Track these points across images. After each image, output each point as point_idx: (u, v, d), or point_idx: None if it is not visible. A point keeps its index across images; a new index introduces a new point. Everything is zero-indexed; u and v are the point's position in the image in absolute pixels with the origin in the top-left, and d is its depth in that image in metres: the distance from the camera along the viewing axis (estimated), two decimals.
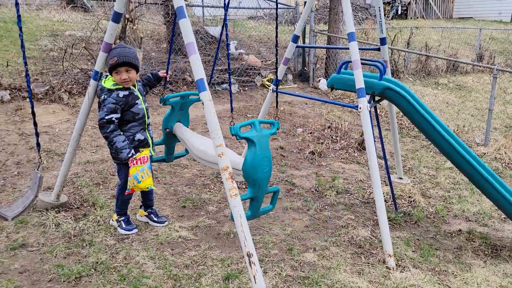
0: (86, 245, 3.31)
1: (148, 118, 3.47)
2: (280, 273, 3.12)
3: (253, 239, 2.92)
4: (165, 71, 3.75)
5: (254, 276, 2.42)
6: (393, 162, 5.30)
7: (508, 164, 6.23)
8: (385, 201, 4.28)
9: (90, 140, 5.61)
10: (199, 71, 2.55)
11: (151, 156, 3.42)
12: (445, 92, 10.36)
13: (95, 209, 3.89)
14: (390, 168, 5.29)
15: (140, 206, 3.83)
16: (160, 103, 3.73)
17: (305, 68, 9.59)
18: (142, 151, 3.32)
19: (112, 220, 3.66)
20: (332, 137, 6.32)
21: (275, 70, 9.20)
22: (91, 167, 4.81)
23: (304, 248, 3.52)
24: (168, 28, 8.56)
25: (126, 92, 3.30)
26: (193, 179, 4.79)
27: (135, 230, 3.60)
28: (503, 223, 4.50)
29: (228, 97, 8.16)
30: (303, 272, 3.18)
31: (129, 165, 3.22)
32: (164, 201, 4.20)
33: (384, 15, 11.92)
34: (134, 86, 3.39)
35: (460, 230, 4.22)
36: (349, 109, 8.07)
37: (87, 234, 3.48)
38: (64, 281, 2.87)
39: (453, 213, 4.56)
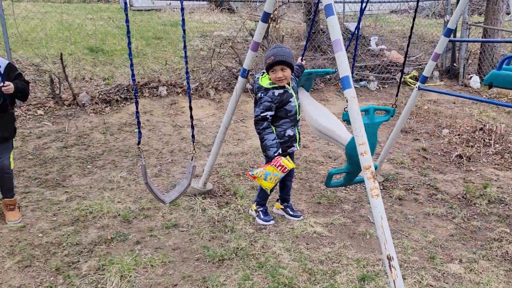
0: (228, 231, 3.55)
1: (298, 114, 3.56)
2: (420, 281, 2.95)
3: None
4: (300, 58, 3.94)
5: (393, 281, 2.32)
6: None
7: None
8: None
9: (233, 133, 5.98)
10: (345, 68, 2.53)
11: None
12: None
13: (236, 198, 4.14)
14: None
15: (277, 200, 3.97)
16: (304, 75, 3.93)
17: (454, 64, 8.82)
18: (290, 161, 3.38)
19: (251, 210, 3.86)
20: (484, 140, 5.72)
21: (419, 66, 8.67)
22: (233, 159, 5.13)
23: (448, 258, 3.26)
24: (308, 26, 8.64)
25: (281, 91, 3.41)
26: None
27: (272, 222, 3.74)
28: None
29: (366, 95, 7.95)
30: (447, 283, 2.95)
31: (272, 162, 3.34)
32: (300, 196, 4.28)
33: None
34: (289, 84, 3.49)
35: None
36: (506, 109, 7.20)
37: (229, 220, 3.72)
38: (209, 262, 3.13)
39: None
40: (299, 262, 3.13)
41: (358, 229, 3.65)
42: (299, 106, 3.55)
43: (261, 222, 3.73)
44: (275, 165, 3.32)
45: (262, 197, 3.77)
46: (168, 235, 3.47)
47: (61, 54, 6.05)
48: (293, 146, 3.57)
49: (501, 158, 5.30)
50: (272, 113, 3.40)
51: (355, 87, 8.00)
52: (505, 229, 3.70)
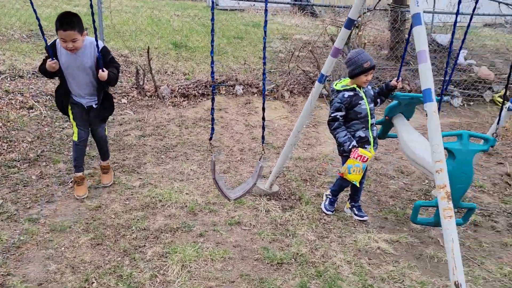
0: (290, 235, 3.54)
1: (372, 118, 3.68)
2: None
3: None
4: (396, 78, 3.88)
5: None
6: None
7: None
8: None
9: (304, 138, 5.95)
10: (428, 81, 2.42)
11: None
12: None
13: (301, 203, 4.11)
14: None
15: (348, 199, 4.07)
16: (388, 97, 3.94)
17: None
18: (367, 149, 3.60)
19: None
20: None
21: (511, 85, 8.05)
22: (301, 164, 5.10)
23: None
24: (393, 35, 8.36)
25: (351, 93, 3.60)
26: (398, 191, 4.60)
27: (330, 213, 3.95)
28: None
29: (448, 111, 7.53)
30: None
31: (350, 155, 3.52)
32: (366, 208, 4.15)
33: None
34: (360, 87, 3.65)
35: None
36: None
37: (291, 225, 3.71)
38: (267, 263, 3.13)
39: None
40: (359, 276, 3.04)
41: (426, 251, 3.47)
42: (371, 109, 3.66)
43: (322, 207, 3.98)
44: (354, 157, 3.49)
45: (335, 188, 3.97)
46: (230, 232, 3.53)
47: (148, 47, 6.39)
48: (366, 148, 3.66)
49: None
50: (342, 113, 3.59)
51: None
52: None
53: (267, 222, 3.73)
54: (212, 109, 2.82)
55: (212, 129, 2.88)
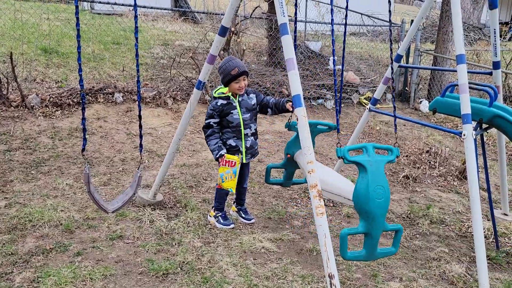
0: (175, 244, 3.49)
1: (245, 128, 3.69)
2: None
3: (336, 260, 2.85)
4: (291, 103, 3.46)
5: None
6: (499, 196, 4.84)
7: None
8: (485, 237, 3.93)
9: (188, 144, 5.92)
10: (296, 87, 2.58)
11: (244, 163, 3.80)
12: None
13: (187, 210, 4.09)
14: (494, 202, 4.84)
15: (233, 202, 4.13)
16: (285, 128, 3.79)
17: (406, 88, 9.19)
18: (234, 155, 3.62)
19: (210, 216, 3.94)
20: (430, 162, 5.96)
21: (374, 88, 8.95)
22: (186, 170, 5.07)
23: (389, 276, 3.35)
24: (270, 42, 8.76)
25: (224, 102, 3.63)
26: (281, 191, 4.82)
27: (232, 225, 3.88)
28: None
29: (323, 113, 8.11)
30: None
31: (219, 164, 3.58)
32: (251, 210, 4.28)
33: (500, 37, 10.98)
34: (236, 96, 3.67)
35: None
36: (452, 134, 7.55)
37: (177, 233, 3.66)
38: (152, 276, 3.05)
39: None
40: (244, 277, 3.11)
41: (306, 246, 3.69)
42: (244, 120, 3.67)
43: (220, 226, 3.85)
44: (223, 165, 3.56)
45: (218, 201, 3.89)
46: (111, 247, 3.36)
47: (11, 53, 5.81)
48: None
49: (444, 180, 5.54)
50: (215, 120, 3.62)
51: (312, 104, 8.18)
52: (444, 249, 3.85)
53: (151, 233, 3.63)
54: (83, 119, 2.66)
55: (84, 139, 2.72)
